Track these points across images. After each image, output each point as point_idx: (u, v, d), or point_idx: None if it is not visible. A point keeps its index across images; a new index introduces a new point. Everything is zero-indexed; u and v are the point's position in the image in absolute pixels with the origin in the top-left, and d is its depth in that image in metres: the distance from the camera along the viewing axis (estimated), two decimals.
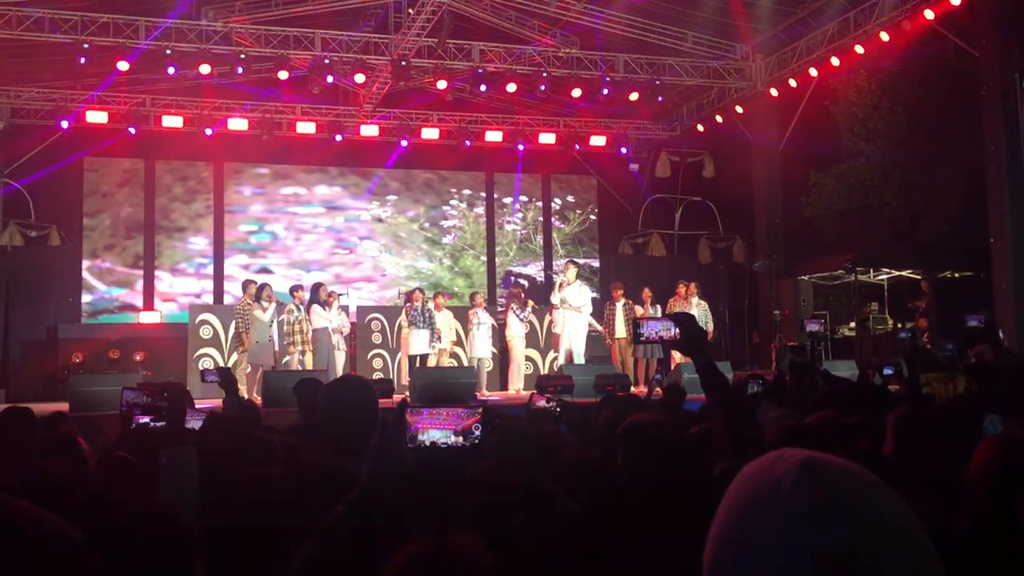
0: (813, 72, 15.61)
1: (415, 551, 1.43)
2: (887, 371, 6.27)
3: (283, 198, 19.18)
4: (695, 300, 14.40)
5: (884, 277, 17.20)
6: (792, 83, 16.05)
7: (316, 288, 13.63)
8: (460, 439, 1.97)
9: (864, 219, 16.59)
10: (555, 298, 13.74)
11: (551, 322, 14.23)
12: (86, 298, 17.85)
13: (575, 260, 14.56)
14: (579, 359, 13.53)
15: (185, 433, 3.87)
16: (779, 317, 16.27)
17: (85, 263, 17.91)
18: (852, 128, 16.61)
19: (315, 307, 13.20)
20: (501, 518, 1.77)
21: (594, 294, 15.61)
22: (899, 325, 15.63)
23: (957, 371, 5.42)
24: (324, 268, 19.07)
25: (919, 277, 16.08)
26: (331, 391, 3.12)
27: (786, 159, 17.42)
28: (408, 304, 13.94)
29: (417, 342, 13.39)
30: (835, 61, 15.05)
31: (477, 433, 1.99)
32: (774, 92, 16.51)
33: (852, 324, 16.72)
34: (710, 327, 14.34)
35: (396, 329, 14.78)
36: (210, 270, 18.56)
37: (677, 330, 2.79)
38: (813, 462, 0.98)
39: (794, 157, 17.15)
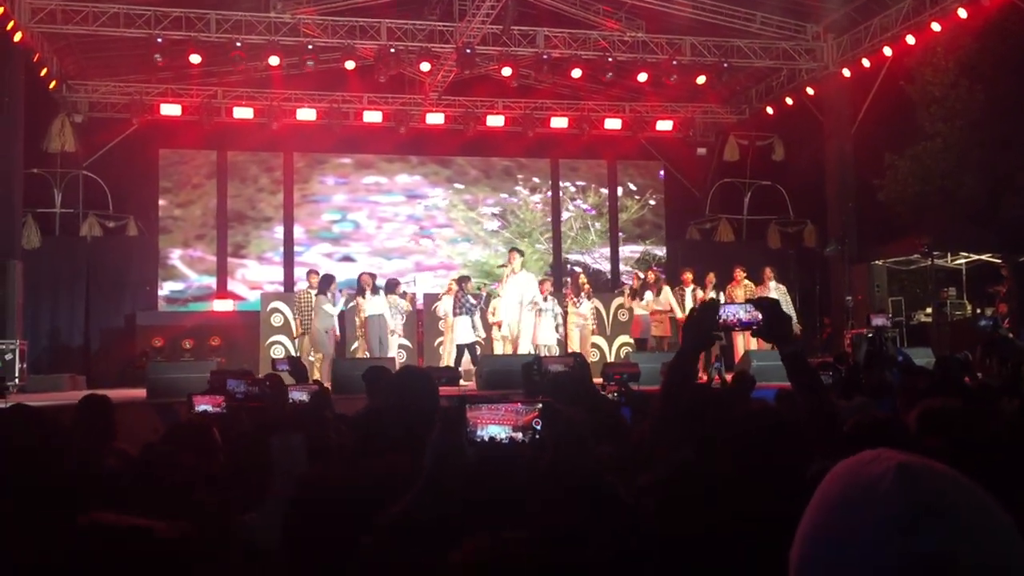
0: (887, 51, 15.18)
1: (474, 548, 1.43)
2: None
3: (365, 187, 19.40)
4: (773, 284, 14.14)
5: (962, 261, 16.68)
6: (865, 63, 15.64)
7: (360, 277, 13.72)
8: (519, 435, 1.96)
9: (941, 201, 16.15)
10: (503, 289, 13.37)
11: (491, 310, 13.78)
12: (178, 286, 18.34)
13: (519, 249, 14.29)
14: (525, 348, 13.28)
15: (290, 419, 3.98)
16: (851, 303, 15.90)
17: (177, 252, 18.40)
18: (928, 108, 16.16)
19: (370, 297, 13.29)
20: (559, 514, 1.76)
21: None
22: (978, 311, 15.15)
23: None
24: (404, 256, 19.28)
25: (999, 261, 15.56)
26: (393, 381, 3.15)
27: (859, 141, 16.99)
28: (459, 292, 13.75)
29: (463, 331, 13.31)
30: (911, 39, 14.62)
31: (538, 428, 1.98)
32: (846, 72, 16.11)
33: (929, 310, 16.27)
34: (792, 316, 13.98)
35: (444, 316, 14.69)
36: (302, 258, 18.74)
37: (759, 314, 2.66)
38: (910, 465, 0.96)
39: (867, 139, 16.72)
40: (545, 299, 13.82)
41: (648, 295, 14.19)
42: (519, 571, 1.41)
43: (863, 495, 0.96)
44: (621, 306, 15.92)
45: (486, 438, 1.96)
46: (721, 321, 2.61)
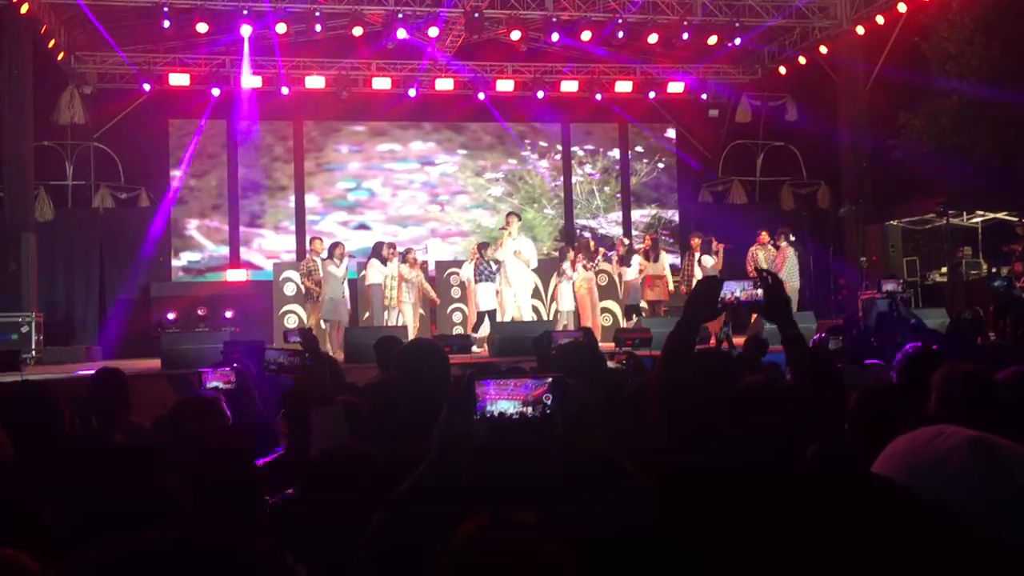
0: (902, 7, 14.94)
1: (476, 527, 1.43)
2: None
3: (379, 155, 19.32)
4: (783, 244, 14.12)
5: (978, 220, 16.55)
6: (879, 19, 15.41)
7: (378, 245, 13.74)
8: (529, 409, 1.95)
9: (957, 160, 15.95)
10: (501, 253, 13.34)
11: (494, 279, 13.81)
12: (196, 256, 18.38)
13: (517, 213, 14.30)
14: (528, 315, 13.36)
15: (331, 392, 3.99)
16: (865, 264, 15.81)
17: (194, 222, 18.42)
18: (944, 65, 15.93)
19: (372, 262, 13.33)
20: (569, 492, 1.75)
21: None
22: (994, 270, 15.04)
23: None
24: (420, 223, 19.25)
25: (1015, 219, 15.42)
26: (402, 355, 3.14)
27: (873, 100, 16.80)
28: (479, 258, 13.77)
29: (485, 297, 13.32)
30: None
31: (548, 403, 1.97)
32: (860, 30, 15.87)
33: (944, 270, 16.16)
34: (795, 280, 14.03)
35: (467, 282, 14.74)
36: (318, 227, 18.68)
37: (759, 291, 2.61)
38: (982, 440, 0.97)
39: (882, 97, 16.53)
40: (562, 264, 13.94)
41: (636, 260, 14.24)
42: (516, 552, 1.40)
43: (933, 470, 0.97)
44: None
45: (496, 413, 1.95)
46: (721, 300, 2.58)
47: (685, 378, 2.30)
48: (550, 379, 2.00)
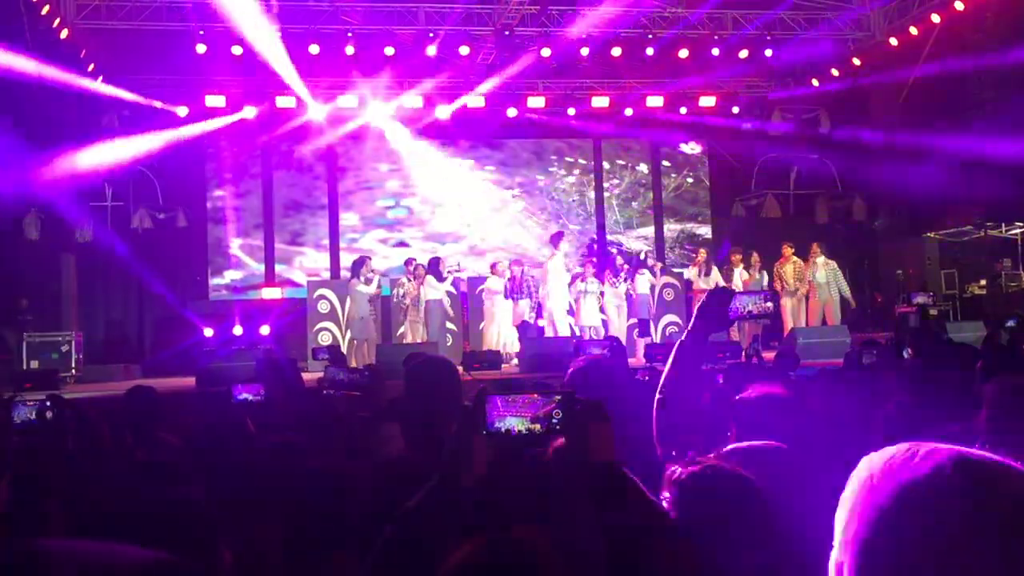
0: (936, 18, 14.82)
1: (474, 546, 1.43)
2: (1010, 323, 5.89)
3: (417, 172, 19.42)
4: (821, 260, 13.99)
5: (1018, 231, 16.29)
6: (913, 31, 15.27)
7: (435, 261, 13.82)
8: (537, 426, 1.96)
9: (994, 170, 15.73)
10: (554, 267, 13.45)
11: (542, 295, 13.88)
12: (238, 275, 18.60)
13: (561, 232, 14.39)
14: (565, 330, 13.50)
15: (385, 411, 4.04)
16: (902, 277, 15.63)
17: (237, 241, 18.65)
18: (979, 75, 15.73)
19: (429, 278, 13.37)
20: (575, 508, 1.76)
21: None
22: None
23: None
24: (457, 240, 19.34)
25: None
26: (413, 372, 3.17)
27: (907, 111, 16.63)
28: (510, 278, 13.87)
29: (520, 313, 13.38)
30: (959, 5, 14.26)
31: (557, 420, 1.97)
32: (894, 41, 15.75)
33: (983, 282, 15.92)
34: (844, 290, 13.98)
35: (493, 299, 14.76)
36: (357, 245, 18.82)
37: (770, 304, 2.64)
38: (966, 460, 0.93)
39: (916, 108, 16.36)
40: (586, 280, 13.93)
41: (639, 277, 14.35)
42: (515, 571, 1.40)
43: (924, 492, 0.91)
44: (666, 285, 15.82)
45: (503, 430, 1.96)
46: (732, 312, 2.58)
47: (688, 390, 2.30)
48: (558, 396, 2.01)
